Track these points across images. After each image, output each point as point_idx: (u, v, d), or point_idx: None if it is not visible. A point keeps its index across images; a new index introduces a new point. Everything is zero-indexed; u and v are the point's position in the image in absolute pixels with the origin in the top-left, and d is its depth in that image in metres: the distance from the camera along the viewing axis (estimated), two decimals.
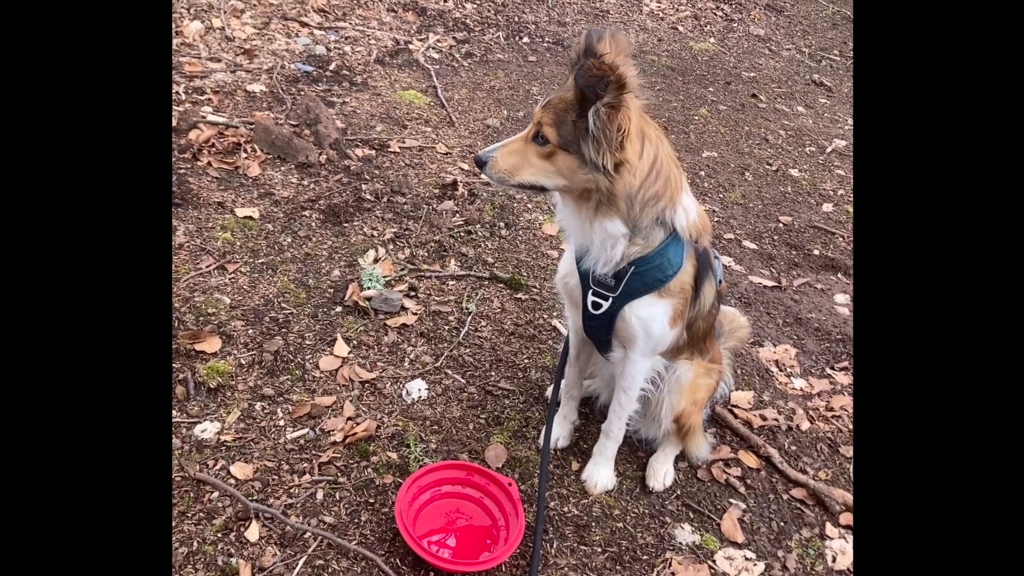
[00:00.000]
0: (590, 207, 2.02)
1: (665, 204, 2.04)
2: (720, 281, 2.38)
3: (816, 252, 4.37)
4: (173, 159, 3.85)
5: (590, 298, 2.22)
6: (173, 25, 5.17)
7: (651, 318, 2.19)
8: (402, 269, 3.47)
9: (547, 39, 6.71)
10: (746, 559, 2.47)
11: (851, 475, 2.88)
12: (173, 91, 4.43)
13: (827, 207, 4.91)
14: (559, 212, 2.20)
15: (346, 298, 3.21)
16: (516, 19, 6.91)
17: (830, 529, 2.64)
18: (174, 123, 4.09)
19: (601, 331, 2.30)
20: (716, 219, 4.52)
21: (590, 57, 1.86)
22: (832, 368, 3.47)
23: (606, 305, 2.19)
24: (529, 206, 4.19)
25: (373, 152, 4.36)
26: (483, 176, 2.03)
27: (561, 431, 2.73)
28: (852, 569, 2.52)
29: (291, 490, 2.40)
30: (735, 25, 8.26)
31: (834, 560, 2.53)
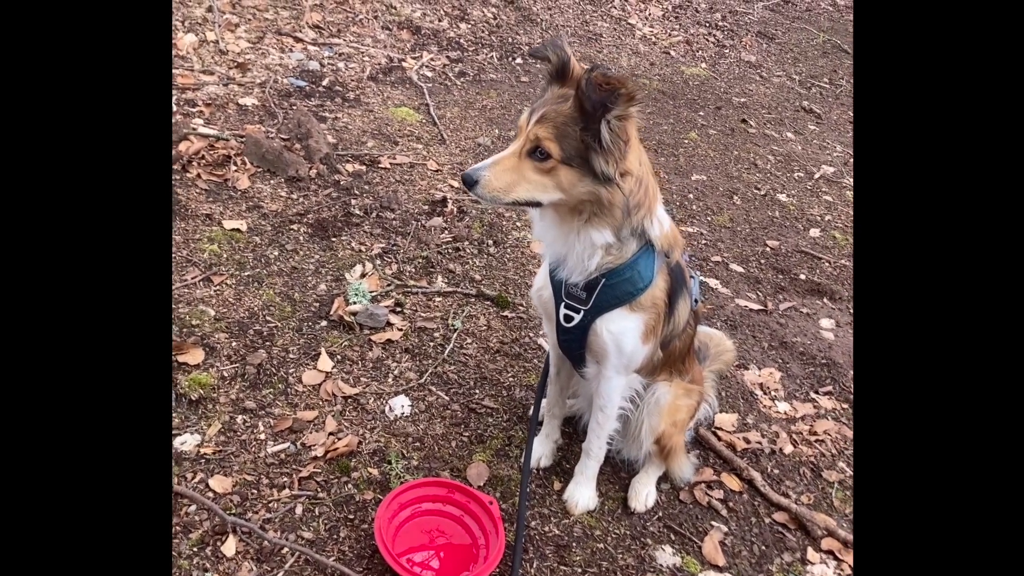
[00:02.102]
0: (582, 219, 2.03)
1: (645, 213, 2.06)
2: (696, 300, 2.39)
3: (802, 277, 4.40)
4: None
5: (562, 311, 2.22)
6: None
7: (622, 332, 2.19)
8: (389, 285, 3.46)
9: (540, 60, 6.76)
10: None
11: (833, 500, 2.88)
12: None
13: (814, 232, 4.95)
14: (537, 224, 2.19)
15: (331, 312, 3.20)
16: (510, 40, 6.97)
17: (811, 554, 2.63)
18: None
19: (574, 345, 2.30)
20: (704, 242, 4.55)
21: (566, 71, 1.95)
22: (816, 392, 3.48)
23: (578, 318, 2.19)
24: (518, 224, 4.20)
25: (363, 168, 4.37)
26: (472, 195, 2.00)
27: (543, 450, 2.72)
28: None
29: (270, 504, 2.38)
30: (727, 51, 8.36)
31: None
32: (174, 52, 5.06)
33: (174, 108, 4.43)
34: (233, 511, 2.32)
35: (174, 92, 4.59)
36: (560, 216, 2.07)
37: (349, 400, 2.82)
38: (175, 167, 3.88)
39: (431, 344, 3.19)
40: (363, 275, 3.48)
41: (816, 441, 3.16)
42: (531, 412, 2.89)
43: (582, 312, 2.18)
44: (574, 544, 2.47)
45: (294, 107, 4.79)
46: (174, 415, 2.60)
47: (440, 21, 6.90)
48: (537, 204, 2.02)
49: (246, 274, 3.34)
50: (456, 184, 4.45)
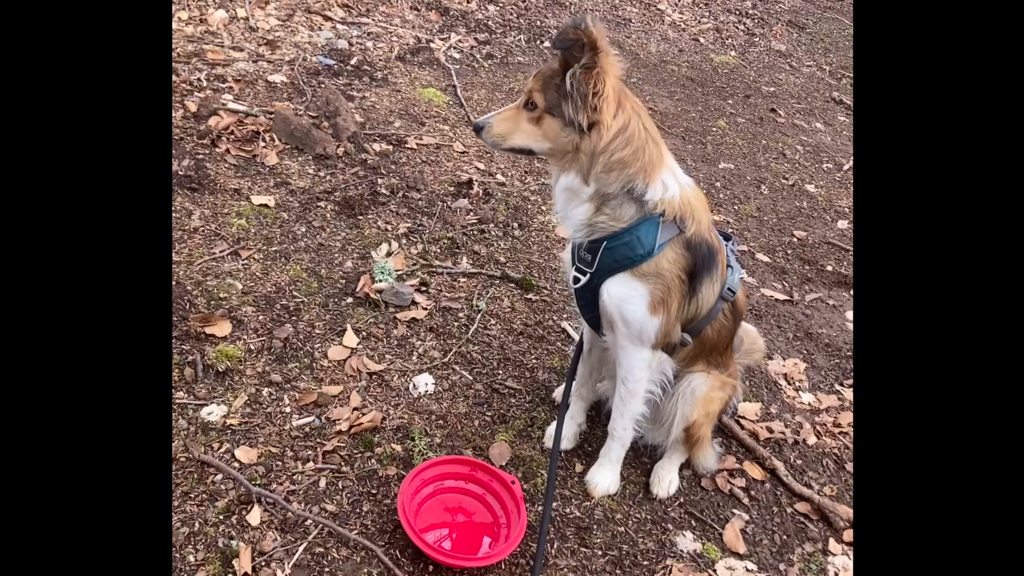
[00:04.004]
0: (563, 165, 2.17)
1: (635, 173, 2.11)
2: (732, 291, 2.35)
3: (829, 268, 4.35)
4: (192, 144, 3.86)
5: (572, 272, 2.31)
6: (198, 13, 5.20)
7: (624, 299, 2.21)
8: (414, 264, 3.47)
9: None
10: (747, 570, 2.45)
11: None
12: (195, 78, 4.46)
13: (842, 224, 4.89)
14: (552, 182, 2.31)
15: (357, 290, 3.21)
16: (538, 23, 6.92)
17: (833, 545, 2.61)
18: (194, 109, 4.11)
19: (587, 308, 2.36)
20: (730, 230, 4.51)
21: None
22: (841, 384, 3.45)
23: (584, 279, 2.26)
24: (543, 208, 4.19)
25: (390, 147, 4.37)
26: (480, 139, 2.28)
27: (567, 432, 2.71)
28: None
29: (294, 477, 2.40)
30: (756, 40, 8.25)
31: None
32: (205, 28, 5.08)
33: (204, 83, 4.44)
34: (258, 482, 2.35)
35: (204, 67, 4.60)
36: (556, 167, 2.21)
37: (374, 376, 2.84)
38: (205, 142, 3.90)
39: (455, 324, 3.20)
40: (389, 254, 3.48)
41: (840, 433, 3.14)
42: (555, 394, 2.90)
43: (588, 274, 2.24)
44: (595, 526, 2.48)
45: (322, 85, 4.79)
46: (201, 385, 2.62)
47: (469, 3, 6.87)
48: (531, 152, 2.21)
49: (273, 249, 3.35)
50: (483, 166, 4.44)
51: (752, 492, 2.74)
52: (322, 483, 2.40)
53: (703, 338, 2.40)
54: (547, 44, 6.54)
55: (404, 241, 3.62)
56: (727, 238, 2.41)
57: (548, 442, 2.69)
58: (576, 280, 2.28)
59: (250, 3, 5.52)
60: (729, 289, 2.34)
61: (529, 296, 3.49)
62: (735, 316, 2.45)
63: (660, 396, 2.48)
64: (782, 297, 3.98)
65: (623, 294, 2.20)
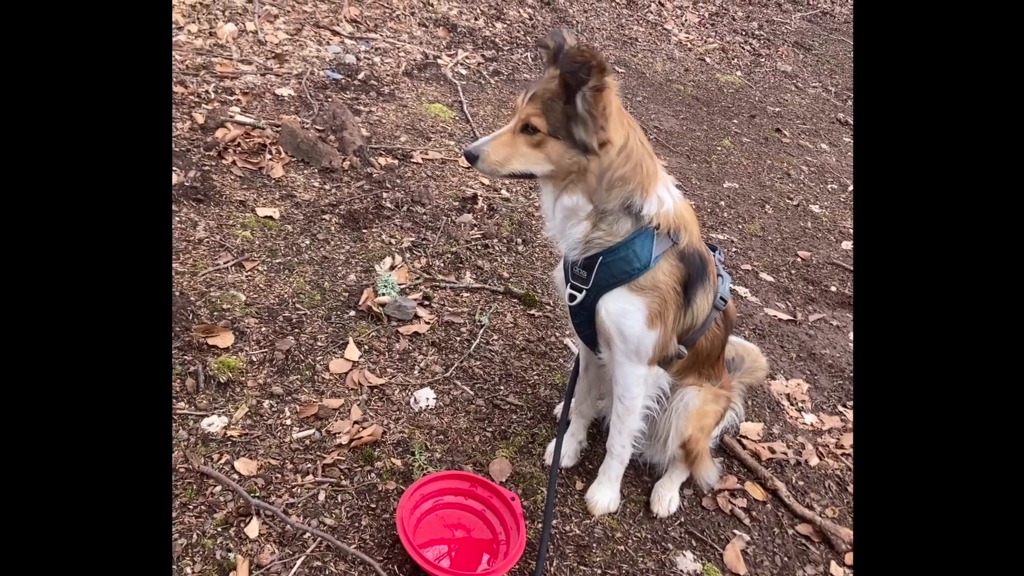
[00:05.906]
0: (564, 186, 2.13)
1: (634, 188, 2.10)
2: (724, 300, 2.36)
3: (833, 288, 4.34)
4: (198, 156, 3.88)
5: (567, 290, 2.28)
6: (208, 26, 5.24)
7: (622, 314, 2.20)
8: (417, 278, 3.47)
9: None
10: None
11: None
12: (203, 90, 4.49)
13: (846, 245, 4.89)
14: (542, 200, 2.28)
15: (360, 303, 3.22)
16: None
17: (835, 568, 2.59)
18: (202, 120, 4.13)
19: (583, 326, 2.33)
20: (734, 249, 4.51)
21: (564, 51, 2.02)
22: (844, 405, 3.44)
23: (580, 297, 2.24)
24: None
25: (396, 162, 4.39)
26: (475, 168, 2.19)
27: (567, 449, 2.70)
28: None
29: (293, 489, 2.39)
30: (762, 60, 8.29)
31: None
32: (214, 41, 5.12)
33: (212, 95, 4.47)
34: (257, 494, 2.34)
35: (213, 80, 4.64)
36: (553, 187, 2.18)
37: (375, 390, 2.83)
38: (211, 154, 3.92)
39: (457, 339, 3.19)
40: (392, 267, 3.49)
41: (843, 454, 3.12)
42: (557, 411, 2.89)
43: (584, 291, 2.23)
44: (594, 545, 2.46)
45: (329, 99, 4.82)
46: (202, 396, 2.62)
47: (476, 20, 6.92)
48: (531, 176, 2.15)
49: (277, 261, 3.36)
50: (487, 182, 4.45)
51: (753, 513, 2.73)
52: (321, 496, 2.39)
53: (697, 349, 2.40)
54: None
55: (408, 255, 3.63)
56: (712, 249, 2.42)
57: (549, 459, 2.68)
58: (572, 298, 2.27)
59: (259, 17, 5.56)
60: (721, 298, 2.35)
61: (532, 312, 3.48)
62: (726, 325, 2.46)
63: (657, 411, 2.48)
64: (785, 317, 3.97)
65: (620, 309, 2.19)
